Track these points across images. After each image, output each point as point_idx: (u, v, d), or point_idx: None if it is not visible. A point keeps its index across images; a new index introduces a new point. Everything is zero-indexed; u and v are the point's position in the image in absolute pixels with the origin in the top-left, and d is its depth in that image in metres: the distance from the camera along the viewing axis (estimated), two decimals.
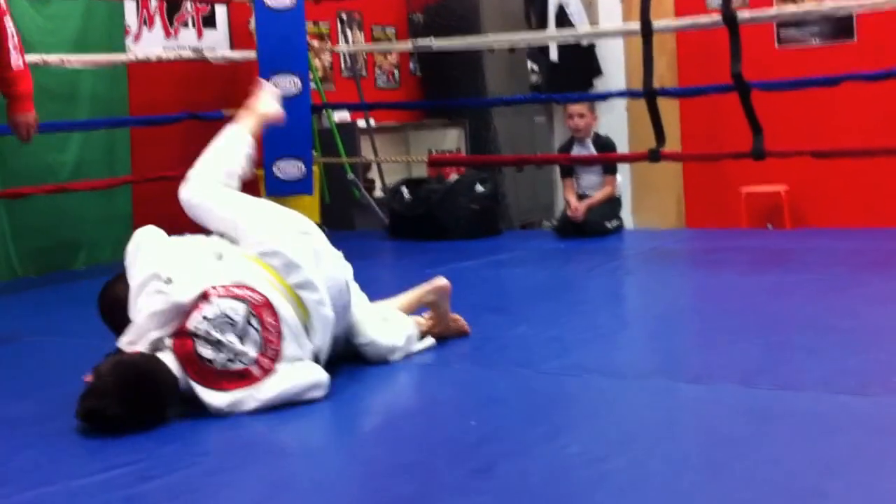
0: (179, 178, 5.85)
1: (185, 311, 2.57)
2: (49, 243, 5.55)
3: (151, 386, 2.47)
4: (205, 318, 2.53)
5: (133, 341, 2.62)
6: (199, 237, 2.95)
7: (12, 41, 3.52)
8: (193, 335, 2.52)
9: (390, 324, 3.04)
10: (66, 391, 2.86)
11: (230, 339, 2.51)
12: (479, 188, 6.11)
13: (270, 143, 5.90)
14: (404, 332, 3.05)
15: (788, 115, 6.75)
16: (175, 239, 2.90)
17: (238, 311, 2.54)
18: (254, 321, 2.55)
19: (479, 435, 2.32)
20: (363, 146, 6.89)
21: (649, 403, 2.54)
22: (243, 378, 2.50)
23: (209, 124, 5.99)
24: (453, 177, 6.39)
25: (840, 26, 7.01)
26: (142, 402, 2.44)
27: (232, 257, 2.76)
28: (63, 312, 4.42)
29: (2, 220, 5.34)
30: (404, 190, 6.26)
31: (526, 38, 6.96)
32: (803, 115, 6.97)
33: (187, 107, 5.96)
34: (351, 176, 6.47)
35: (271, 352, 2.54)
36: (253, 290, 2.60)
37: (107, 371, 2.44)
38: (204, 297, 2.58)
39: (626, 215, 6.80)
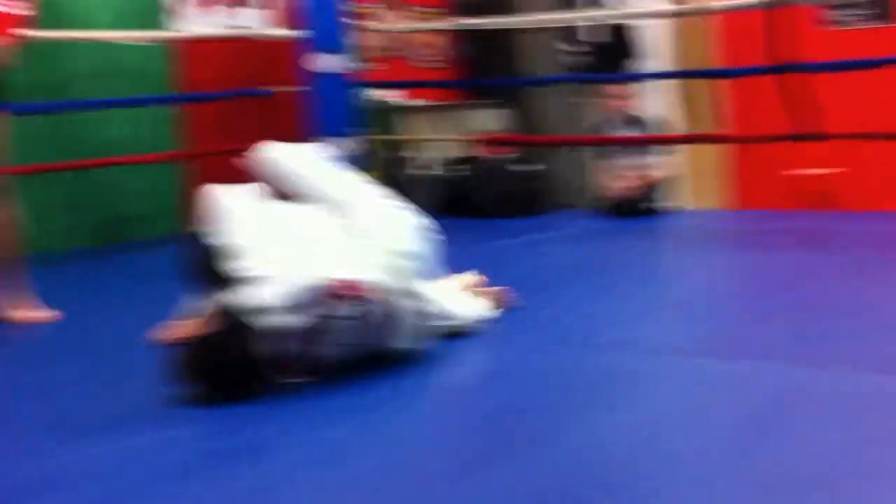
0: (226, 153, 6.00)
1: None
2: (101, 216, 5.70)
3: (237, 365, 2.45)
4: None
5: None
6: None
7: None
8: None
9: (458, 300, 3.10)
10: (129, 355, 3.00)
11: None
12: (522, 167, 6.16)
13: (316, 120, 6.00)
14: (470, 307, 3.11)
15: (838, 97, 6.71)
16: None
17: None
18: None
19: (515, 409, 2.38)
20: (407, 124, 6.96)
21: (685, 380, 2.59)
22: None
23: (255, 101, 6.11)
24: (496, 156, 6.45)
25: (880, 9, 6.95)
26: (225, 382, 2.44)
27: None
28: (116, 282, 4.56)
29: (56, 192, 5.50)
30: (447, 168, 6.33)
31: (565, 18, 6.97)
32: (853, 97, 6.92)
33: (233, 84, 6.07)
34: (395, 153, 6.55)
35: None
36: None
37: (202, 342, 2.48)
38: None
39: (670, 196, 6.81)
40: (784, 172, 7.18)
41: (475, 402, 2.49)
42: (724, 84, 7.34)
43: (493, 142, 7.02)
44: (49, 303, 3.70)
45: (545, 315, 3.32)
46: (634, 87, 6.03)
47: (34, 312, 3.50)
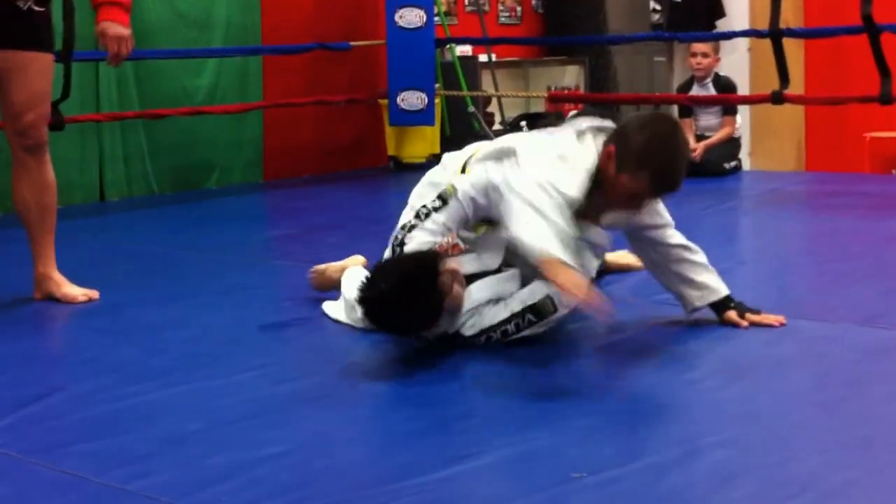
0: (307, 104, 6.09)
1: None
2: (183, 163, 5.84)
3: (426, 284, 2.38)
4: None
5: None
6: None
7: None
8: None
9: None
10: (202, 301, 3.11)
11: None
12: None
13: (395, 74, 6.06)
14: None
15: None
16: None
17: None
18: None
19: (594, 360, 2.45)
20: (484, 80, 6.98)
21: (764, 338, 2.61)
22: None
23: (336, 54, 6.18)
24: (571, 113, 6.44)
25: None
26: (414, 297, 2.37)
27: None
28: (197, 228, 4.70)
29: (140, 139, 5.64)
30: (523, 124, 6.36)
31: None
32: None
33: (316, 37, 6.14)
34: (471, 109, 6.58)
35: None
36: None
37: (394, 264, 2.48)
38: None
39: (745, 157, 6.75)
40: (865, 135, 7.07)
41: (566, 358, 2.54)
42: (799, 46, 7.22)
43: (563, 99, 7.01)
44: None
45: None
46: (720, 47, 5.95)
47: (78, 290, 3.15)
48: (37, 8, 2.96)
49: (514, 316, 2.52)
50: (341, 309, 2.81)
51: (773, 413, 2.07)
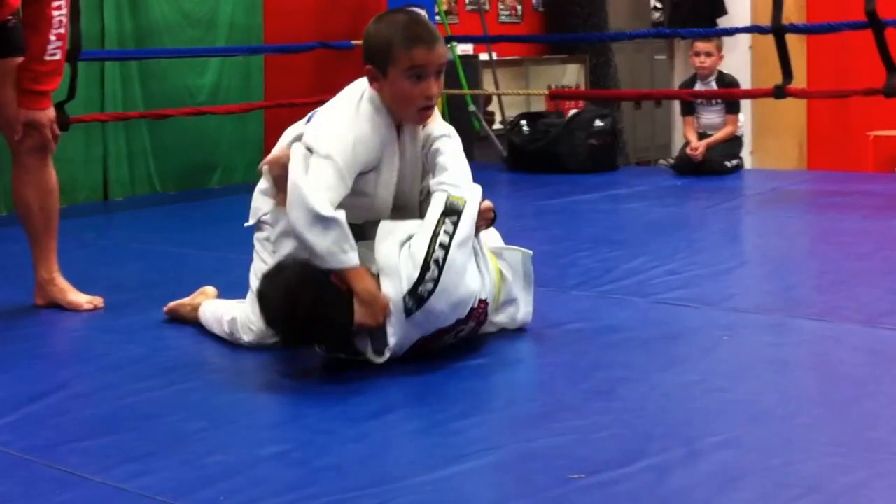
0: (310, 104, 6.07)
1: None
2: (186, 162, 5.84)
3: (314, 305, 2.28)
4: None
5: None
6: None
7: (56, 30, 2.91)
8: None
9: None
10: None
11: None
12: (598, 123, 6.15)
13: None
14: None
15: None
16: None
17: None
18: None
19: (595, 361, 2.43)
20: (485, 79, 6.97)
21: (768, 338, 2.60)
22: None
23: (338, 53, 6.18)
24: (572, 111, 6.44)
25: None
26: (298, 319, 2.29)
27: None
28: (199, 227, 4.69)
29: (144, 139, 5.64)
30: (523, 123, 6.34)
31: None
32: None
33: (318, 36, 6.14)
34: (472, 107, 6.58)
35: None
36: None
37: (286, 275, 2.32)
38: None
39: (747, 156, 6.75)
40: (868, 133, 7.06)
41: (568, 358, 2.53)
42: (802, 45, 7.21)
43: (564, 97, 7.00)
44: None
45: (624, 270, 3.35)
46: (722, 45, 5.94)
47: (83, 298, 3.09)
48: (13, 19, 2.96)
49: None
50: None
51: (777, 414, 2.06)
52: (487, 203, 2.52)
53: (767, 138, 7.81)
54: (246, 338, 2.58)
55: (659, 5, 8.22)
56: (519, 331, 2.66)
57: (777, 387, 2.24)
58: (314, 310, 2.28)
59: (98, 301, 3.08)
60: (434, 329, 2.38)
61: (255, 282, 2.56)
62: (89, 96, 5.24)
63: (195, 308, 2.82)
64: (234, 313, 2.64)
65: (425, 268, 2.31)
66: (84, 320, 2.99)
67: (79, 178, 5.33)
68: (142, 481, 1.80)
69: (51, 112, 3.01)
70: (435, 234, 2.35)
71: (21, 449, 1.97)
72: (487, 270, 2.49)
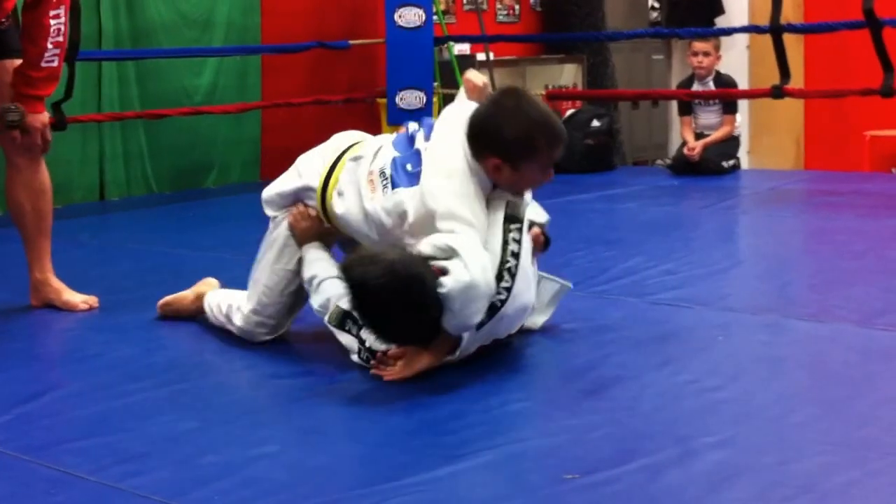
0: (306, 104, 6.09)
1: None
2: (182, 163, 5.84)
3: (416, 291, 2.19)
4: None
5: None
6: None
7: (53, 38, 2.89)
8: None
9: None
10: None
11: None
12: (595, 123, 6.15)
13: (393, 73, 6.05)
14: None
15: None
16: None
17: None
18: None
19: (589, 360, 2.43)
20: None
21: (762, 338, 2.61)
22: None
23: (335, 53, 6.17)
24: (570, 111, 6.44)
25: None
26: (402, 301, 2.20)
27: None
28: (195, 227, 4.69)
29: (140, 139, 5.64)
30: None
31: None
32: None
33: (315, 36, 6.13)
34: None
35: None
36: None
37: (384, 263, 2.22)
38: None
39: (743, 156, 6.75)
40: (865, 133, 7.06)
41: (563, 357, 2.53)
42: (799, 46, 7.20)
43: (561, 97, 7.00)
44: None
45: (620, 270, 3.35)
46: (720, 45, 5.94)
47: (78, 297, 3.07)
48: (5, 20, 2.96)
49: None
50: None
51: (771, 413, 2.06)
52: (536, 230, 2.54)
53: (764, 138, 7.81)
54: (238, 323, 2.60)
55: (656, 5, 8.22)
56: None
57: (771, 386, 2.24)
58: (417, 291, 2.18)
59: (93, 301, 3.08)
60: (495, 337, 2.38)
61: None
62: (86, 96, 5.24)
63: (199, 297, 2.82)
64: (235, 300, 2.66)
65: (499, 277, 2.29)
66: (79, 320, 2.98)
67: (75, 179, 5.33)
68: (136, 481, 1.80)
69: (44, 117, 3.00)
70: (505, 242, 2.33)
71: (16, 449, 1.97)
72: (534, 280, 2.51)
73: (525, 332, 2.63)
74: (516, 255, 2.33)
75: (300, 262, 2.54)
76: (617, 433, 1.97)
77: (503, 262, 2.31)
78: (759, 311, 2.84)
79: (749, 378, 2.29)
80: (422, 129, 2.48)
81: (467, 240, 2.24)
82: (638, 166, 7.49)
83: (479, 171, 2.37)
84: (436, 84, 6.40)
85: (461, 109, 2.49)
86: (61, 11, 2.91)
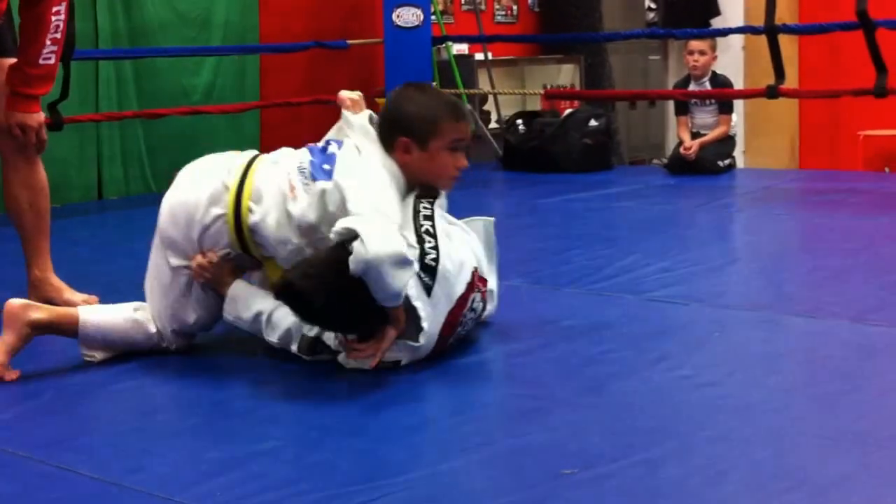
0: (305, 104, 6.10)
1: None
2: (181, 162, 5.77)
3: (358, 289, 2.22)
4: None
5: None
6: None
7: (52, 34, 2.87)
8: None
9: None
10: None
11: None
12: (593, 123, 6.17)
13: (392, 73, 6.06)
14: None
15: None
16: None
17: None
18: None
19: (587, 357, 2.44)
20: (480, 78, 6.99)
21: (758, 335, 2.63)
22: None
23: (333, 53, 6.19)
24: (567, 111, 6.46)
25: None
26: (342, 299, 2.23)
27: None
28: None
29: (138, 138, 5.64)
30: (519, 122, 6.37)
31: None
32: None
33: (313, 36, 6.15)
34: (467, 107, 6.59)
35: None
36: None
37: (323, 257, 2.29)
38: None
39: (739, 155, 6.77)
40: (858, 133, 7.09)
41: (560, 354, 2.54)
42: (794, 47, 7.23)
43: (559, 96, 7.02)
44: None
45: (617, 268, 3.37)
46: (716, 45, 5.96)
47: (78, 296, 3.05)
48: None
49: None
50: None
51: (767, 408, 2.08)
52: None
53: (759, 138, 7.83)
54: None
55: (653, 6, 8.25)
56: (510, 327, 2.67)
57: (767, 381, 2.25)
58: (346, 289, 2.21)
59: (93, 300, 3.08)
60: (454, 302, 2.39)
61: None
62: (83, 96, 5.24)
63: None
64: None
65: (420, 240, 2.36)
66: None
67: (73, 178, 5.33)
68: (137, 477, 1.81)
69: (40, 116, 2.98)
70: (416, 211, 2.42)
71: (17, 446, 1.98)
72: (469, 237, 2.56)
73: (522, 327, 2.65)
74: (429, 218, 2.41)
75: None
76: (615, 428, 1.99)
77: (417, 226, 2.39)
78: (754, 307, 2.86)
79: (745, 373, 2.31)
80: (333, 143, 2.55)
81: (367, 218, 2.26)
82: (635, 165, 7.51)
83: (395, 170, 2.44)
84: (434, 84, 6.41)
85: (357, 120, 2.58)
86: (62, 8, 2.90)
